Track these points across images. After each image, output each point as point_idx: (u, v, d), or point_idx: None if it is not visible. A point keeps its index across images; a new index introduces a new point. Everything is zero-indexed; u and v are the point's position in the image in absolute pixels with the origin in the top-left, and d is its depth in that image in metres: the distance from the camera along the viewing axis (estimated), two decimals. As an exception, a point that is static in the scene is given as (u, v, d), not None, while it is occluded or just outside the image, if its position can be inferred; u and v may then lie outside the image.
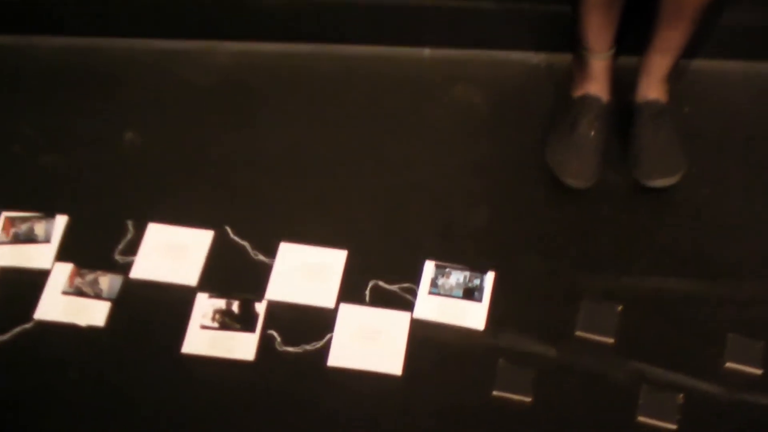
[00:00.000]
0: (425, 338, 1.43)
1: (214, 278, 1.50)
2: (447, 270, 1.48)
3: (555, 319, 1.44)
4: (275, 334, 1.44)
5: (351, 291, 1.48)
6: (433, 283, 1.47)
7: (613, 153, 1.54)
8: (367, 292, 1.48)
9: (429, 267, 1.49)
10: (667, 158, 1.47)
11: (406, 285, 1.48)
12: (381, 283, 1.48)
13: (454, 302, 1.46)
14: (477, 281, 1.47)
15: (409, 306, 1.47)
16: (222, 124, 1.63)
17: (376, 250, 1.51)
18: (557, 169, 1.52)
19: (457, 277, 1.47)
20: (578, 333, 1.44)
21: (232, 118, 1.64)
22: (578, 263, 1.49)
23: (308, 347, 1.43)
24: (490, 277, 1.48)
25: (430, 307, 1.46)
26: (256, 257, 1.50)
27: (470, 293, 1.46)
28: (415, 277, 1.48)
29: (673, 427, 1.34)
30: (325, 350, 1.43)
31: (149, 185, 1.58)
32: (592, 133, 1.49)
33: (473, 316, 1.45)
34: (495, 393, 1.38)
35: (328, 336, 1.44)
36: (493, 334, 1.43)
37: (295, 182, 1.58)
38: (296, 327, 1.45)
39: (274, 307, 1.46)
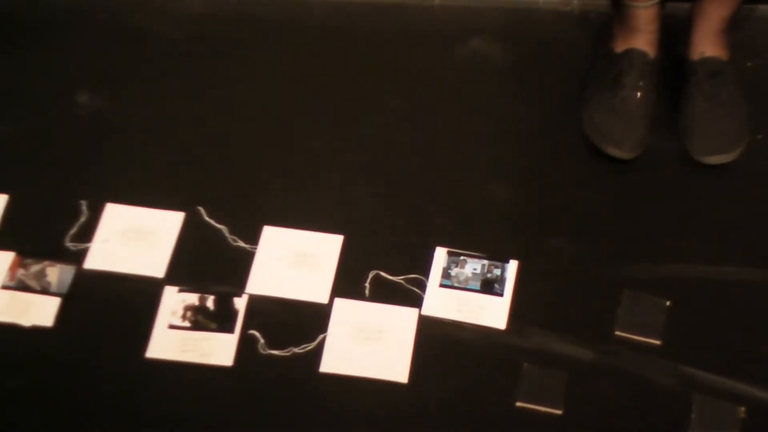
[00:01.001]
0: (436, 339, 1.42)
1: (185, 269, 1.48)
2: (461, 258, 1.47)
3: (590, 315, 1.43)
4: (258, 334, 1.42)
5: (348, 284, 1.46)
6: (446, 274, 1.46)
7: (663, 117, 1.52)
8: (367, 285, 1.46)
9: (440, 255, 1.47)
10: (726, 129, 1.45)
11: (413, 276, 1.47)
12: (383, 274, 1.47)
13: (471, 296, 1.45)
14: (497, 271, 1.46)
15: (416, 301, 1.45)
16: (195, 85, 1.61)
17: (378, 235, 1.50)
18: (596, 136, 1.51)
19: (473, 267, 1.46)
20: (618, 332, 1.42)
21: (206, 78, 1.62)
22: (619, 249, 1.48)
23: (297, 350, 1.41)
24: (512, 267, 1.47)
25: (442, 302, 1.44)
26: (234, 244, 1.49)
27: (489, 285, 1.45)
28: (424, 267, 1.47)
29: (733, 445, 1.34)
30: (317, 353, 1.41)
31: (107, 158, 1.55)
32: (638, 94, 1.46)
33: (493, 312, 1.44)
34: (519, 404, 1.37)
35: (321, 337, 1.42)
36: (517, 334, 1.42)
37: (282, 154, 1.56)
38: (283, 326, 1.43)
39: (256, 303, 1.45)
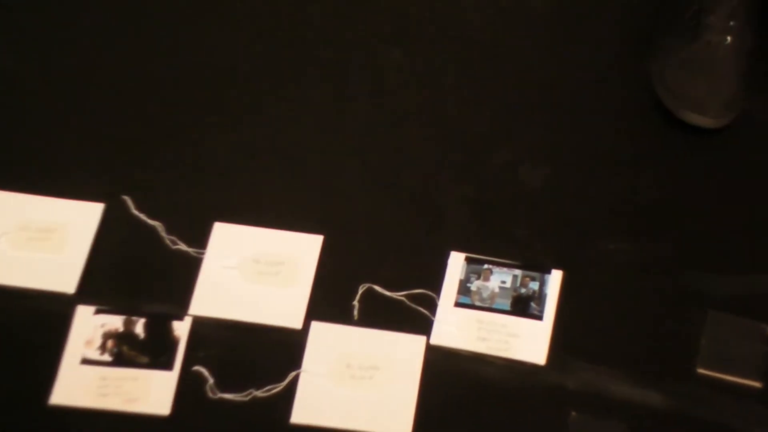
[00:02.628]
0: (450, 379, 1.42)
1: (104, 281, 1.48)
2: (485, 267, 1.47)
3: (661, 346, 1.43)
4: (206, 372, 1.41)
5: (330, 302, 1.47)
6: (464, 289, 1.46)
7: (761, 71, 1.53)
8: (356, 304, 1.46)
9: (456, 262, 1.48)
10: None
11: (418, 292, 1.46)
12: (378, 289, 1.46)
13: (498, 319, 1.45)
14: (534, 285, 1.46)
15: (423, 326, 1.45)
16: (123, 39, 1.64)
17: (371, 236, 1.51)
18: (669, 98, 1.51)
19: (501, 279, 1.47)
20: (701, 370, 1.42)
21: (140, 30, 1.65)
22: (700, 255, 1.49)
23: (260, 393, 1.40)
24: (555, 279, 1.47)
25: (459, 327, 1.45)
26: (174, 247, 1.49)
27: (524, 304, 1.45)
28: (434, 280, 1.47)
29: None
30: (287, 398, 1.40)
31: None
32: (728, 39, 1.43)
33: (528, 341, 1.44)
34: (565, 467, 1.40)
35: (293, 375, 1.41)
36: (561, 371, 1.42)
37: (242, 125, 1.59)
38: (240, 361, 1.43)
39: (203, 329, 1.45)
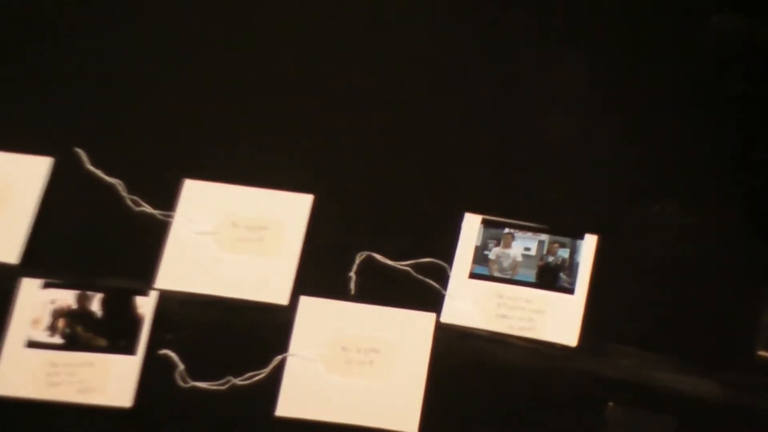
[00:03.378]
0: (464, 363, 1.42)
1: (54, 250, 1.49)
2: (506, 231, 1.47)
3: (715, 326, 1.44)
4: (175, 357, 1.41)
5: (321, 274, 1.47)
6: (480, 257, 1.46)
7: None
8: (353, 276, 1.45)
9: (471, 226, 1.49)
10: None
11: (426, 261, 1.46)
12: (378, 258, 1.45)
13: (521, 293, 1.45)
14: (564, 252, 1.46)
15: (432, 301, 1.45)
16: None
17: (370, 195, 1.52)
18: None
19: (525, 245, 1.46)
20: (762, 353, 1.41)
21: None
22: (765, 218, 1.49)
23: (239, 381, 1.40)
24: (589, 246, 1.47)
25: (474, 302, 1.45)
26: (137, 208, 1.50)
27: (552, 276, 1.45)
28: (445, 246, 1.47)
29: None
30: (271, 387, 1.40)
31: None
32: None
33: (557, 319, 1.44)
34: (600, 467, 1.41)
35: (278, 360, 1.41)
36: (596, 355, 1.42)
37: (213, 65, 1.60)
38: (216, 344, 1.43)
39: (172, 306, 1.45)
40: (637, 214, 1.48)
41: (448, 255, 1.46)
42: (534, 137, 1.54)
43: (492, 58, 1.59)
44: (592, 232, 1.46)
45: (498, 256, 1.45)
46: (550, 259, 1.45)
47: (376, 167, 1.53)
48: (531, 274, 1.44)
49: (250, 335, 1.42)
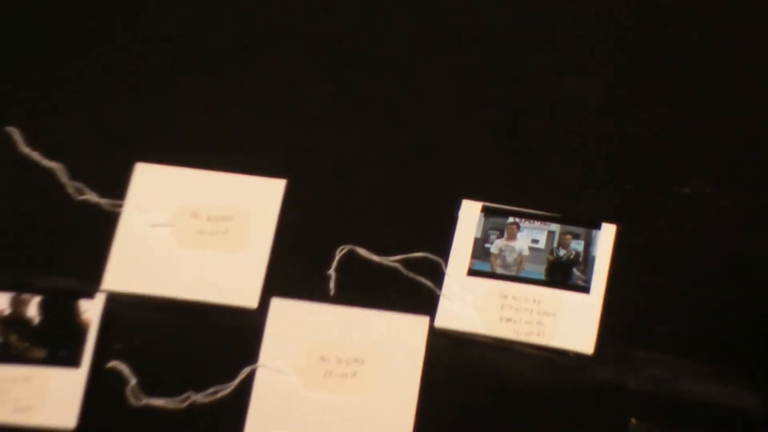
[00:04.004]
0: (462, 375, 1.41)
1: None
2: (511, 221, 1.46)
3: (754, 328, 1.42)
4: (126, 370, 1.40)
5: (295, 271, 1.46)
6: (480, 251, 1.45)
7: None
8: (332, 274, 1.43)
9: (470, 214, 1.47)
10: None
11: (417, 255, 1.44)
12: (362, 252, 1.44)
13: (528, 292, 1.43)
14: (577, 245, 1.44)
15: (425, 302, 1.43)
16: None
17: (352, 179, 1.52)
18: None
19: (533, 237, 1.45)
20: None
21: None
22: None
23: (201, 398, 1.38)
24: (607, 236, 1.45)
25: (474, 303, 1.43)
26: (79, 197, 1.49)
27: (563, 272, 1.44)
28: (439, 239, 1.46)
29: None
30: (238, 405, 1.39)
31: None
32: None
33: (570, 322, 1.42)
34: (622, 497, 1.40)
35: (246, 373, 1.39)
36: (616, 362, 1.40)
37: (167, 28, 1.59)
38: (174, 354, 1.43)
39: (122, 311, 1.45)
40: (665, 199, 1.48)
41: (444, 249, 1.44)
42: (545, 106, 1.53)
43: (494, 9, 1.59)
44: (610, 220, 1.45)
45: (501, 250, 1.44)
46: (562, 252, 1.44)
47: (358, 146, 1.53)
48: (540, 271, 1.42)
49: (213, 344, 1.40)
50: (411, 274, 1.43)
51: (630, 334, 1.40)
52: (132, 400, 1.36)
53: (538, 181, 1.49)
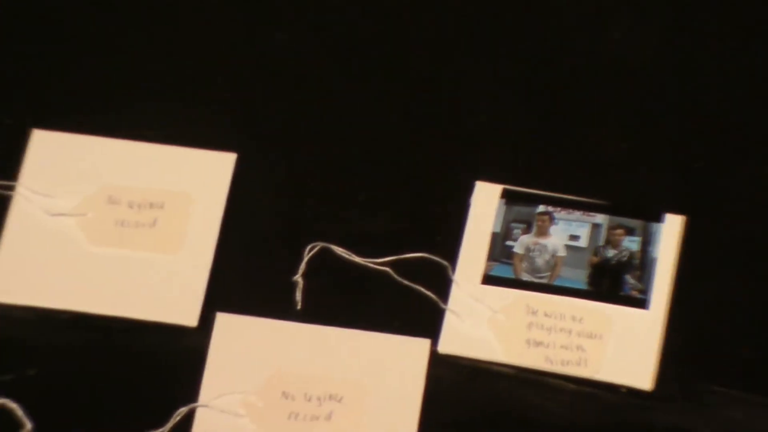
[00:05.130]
0: (476, 417, 1.33)
1: None
2: (541, 210, 1.39)
3: None
4: (17, 409, 1.31)
5: (249, 277, 1.40)
6: (500, 251, 1.38)
7: None
8: (299, 281, 1.37)
9: (486, 201, 1.41)
10: None
11: (414, 256, 1.37)
12: (339, 251, 1.38)
13: (564, 307, 1.36)
14: (632, 243, 1.37)
15: (425, 319, 1.36)
16: None
17: (324, 152, 1.45)
18: None
19: (570, 231, 1.38)
20: None
21: None
22: None
23: None
24: (671, 231, 1.38)
25: (492, 320, 1.36)
26: None
27: (612, 280, 1.37)
28: (444, 234, 1.39)
29: None
30: None
31: None
32: None
33: (622, 348, 1.34)
34: None
35: (181, 413, 1.31)
36: (684, 403, 1.32)
37: None
38: (84, 388, 1.34)
39: (14, 330, 1.37)
40: (748, 181, 1.43)
41: (451, 248, 1.38)
42: (584, 63, 1.50)
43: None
44: (676, 210, 1.38)
45: (529, 250, 1.37)
46: (611, 253, 1.37)
47: (336, 110, 1.48)
48: (580, 278, 1.36)
49: (138, 375, 1.34)
50: (406, 282, 1.37)
51: (701, 364, 1.34)
52: (23, 452, 1.39)
53: (577, 158, 1.44)
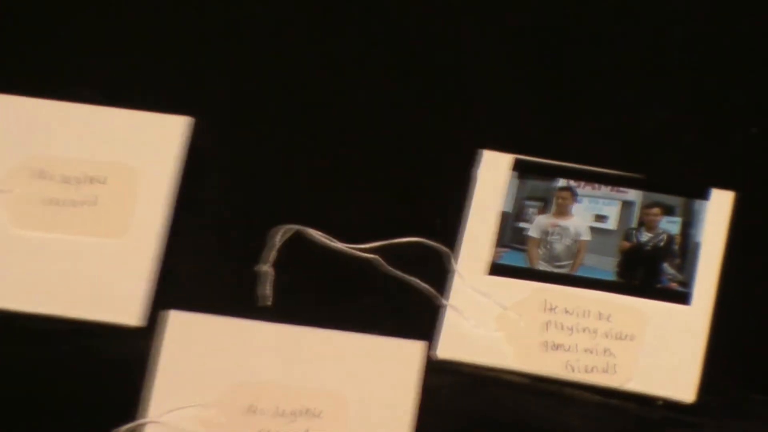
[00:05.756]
0: None
1: None
2: (561, 185, 1.35)
3: None
4: None
5: (206, 267, 1.34)
6: (510, 233, 1.35)
7: None
8: (267, 270, 1.33)
9: (494, 173, 1.37)
10: None
11: (407, 241, 1.33)
12: (316, 236, 1.33)
13: (588, 302, 1.31)
14: (671, 225, 1.33)
15: (419, 316, 1.31)
16: None
17: (301, 120, 1.41)
18: None
19: (596, 211, 1.34)
20: None
21: None
22: None
23: None
24: (718, 209, 1.34)
25: (501, 317, 1.32)
26: None
27: (647, 269, 1.32)
28: (443, 214, 1.35)
29: None
30: None
31: None
32: None
33: (659, 352, 1.30)
34: None
35: (126, 431, 1.28)
36: (732, 416, 1.28)
37: None
38: (10, 403, 1.29)
39: None
40: None
41: (451, 231, 1.34)
42: (613, 10, 1.47)
43: None
44: (723, 185, 1.34)
45: (546, 233, 1.34)
46: (646, 237, 1.33)
47: (311, 65, 1.45)
48: (609, 267, 1.32)
49: (74, 384, 1.29)
50: (397, 272, 1.33)
51: (754, 371, 1.30)
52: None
53: (606, 123, 1.41)
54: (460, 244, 1.34)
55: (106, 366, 1.32)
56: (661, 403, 1.28)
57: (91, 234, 1.35)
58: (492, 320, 1.31)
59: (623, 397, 1.29)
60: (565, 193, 1.34)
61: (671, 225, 1.33)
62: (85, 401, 1.31)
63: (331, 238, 1.35)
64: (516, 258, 1.33)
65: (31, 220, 1.35)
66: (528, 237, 1.33)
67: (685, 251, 1.33)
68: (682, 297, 1.30)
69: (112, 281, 1.35)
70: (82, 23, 1.51)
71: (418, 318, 1.31)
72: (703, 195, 1.34)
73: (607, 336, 1.30)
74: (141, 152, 1.38)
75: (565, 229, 1.33)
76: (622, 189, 1.35)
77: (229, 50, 1.49)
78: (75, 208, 1.36)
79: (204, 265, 1.36)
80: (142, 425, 1.29)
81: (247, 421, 1.29)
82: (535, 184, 1.35)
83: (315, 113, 1.45)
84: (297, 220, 1.35)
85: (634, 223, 1.33)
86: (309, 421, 1.29)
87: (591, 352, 1.29)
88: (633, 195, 1.34)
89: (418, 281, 1.32)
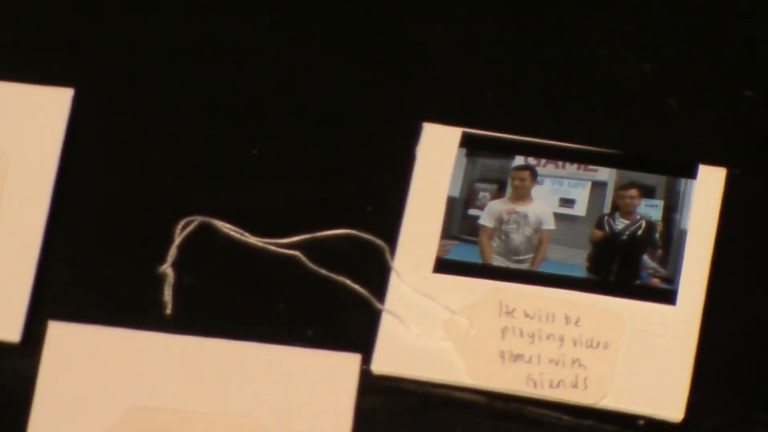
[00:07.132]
0: None
1: None
2: (519, 164, 1.36)
3: None
4: None
5: (94, 269, 1.33)
6: (459, 222, 1.36)
7: None
8: (168, 272, 1.33)
9: (439, 150, 1.39)
10: None
11: (334, 233, 1.33)
12: (225, 229, 1.34)
13: (555, 303, 1.31)
14: (651, 210, 1.34)
15: (352, 326, 1.31)
16: None
17: (204, 86, 1.41)
18: None
19: (561, 193, 1.35)
20: None
21: None
22: None
23: None
24: (708, 189, 1.36)
25: (450, 324, 1.32)
26: None
27: (623, 262, 1.33)
28: (378, 201, 1.36)
29: None
30: None
31: None
32: None
33: (638, 363, 1.30)
34: None
35: None
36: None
37: None
38: None
39: None
40: None
41: (389, 221, 1.35)
42: None
43: None
44: (714, 161, 1.36)
45: (502, 222, 1.35)
46: (621, 224, 1.34)
47: (214, 29, 1.46)
48: (577, 261, 1.33)
49: None
50: (323, 271, 1.35)
51: (751, 385, 1.32)
52: None
53: (573, 87, 1.43)
54: (399, 236, 1.33)
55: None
56: (642, 423, 1.28)
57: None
58: (438, 327, 1.30)
59: (597, 417, 1.30)
60: (523, 173, 1.34)
61: (651, 209, 1.34)
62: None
63: (242, 231, 1.35)
64: (466, 252, 1.32)
65: None
66: (480, 226, 1.32)
67: (668, 240, 1.33)
68: (665, 295, 1.30)
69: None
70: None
71: (349, 326, 1.33)
72: (689, 173, 1.35)
73: (576, 344, 1.30)
74: (13, 131, 1.37)
75: (523, 216, 1.33)
76: (592, 167, 1.36)
77: (123, 13, 1.48)
78: None
79: (90, 268, 1.36)
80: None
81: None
82: (488, 163, 1.35)
83: (221, 82, 1.46)
84: (201, 211, 1.35)
85: (606, 208, 1.33)
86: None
87: (557, 364, 1.29)
88: (605, 174, 1.34)
89: (348, 282, 1.32)
